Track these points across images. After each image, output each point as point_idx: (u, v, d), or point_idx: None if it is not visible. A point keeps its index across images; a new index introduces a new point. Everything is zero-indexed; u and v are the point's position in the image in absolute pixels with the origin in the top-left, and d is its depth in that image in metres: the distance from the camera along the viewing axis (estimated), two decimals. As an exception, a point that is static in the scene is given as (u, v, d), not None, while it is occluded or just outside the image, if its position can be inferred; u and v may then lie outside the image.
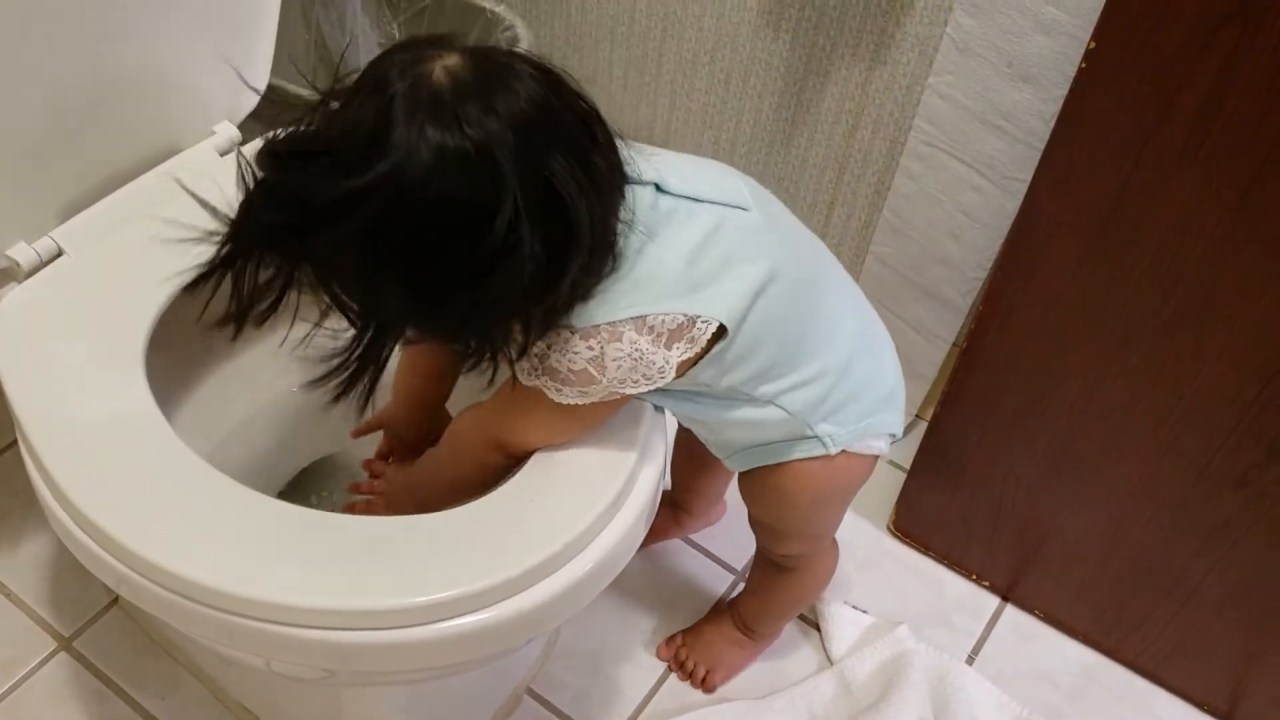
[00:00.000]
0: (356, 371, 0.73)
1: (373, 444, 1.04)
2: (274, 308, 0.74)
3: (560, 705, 1.16)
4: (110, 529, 0.77)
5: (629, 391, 0.78)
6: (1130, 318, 1.00)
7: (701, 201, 0.79)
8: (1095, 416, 1.08)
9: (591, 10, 1.35)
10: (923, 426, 1.28)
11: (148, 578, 0.77)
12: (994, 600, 1.28)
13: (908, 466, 1.29)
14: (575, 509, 0.80)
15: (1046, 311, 1.05)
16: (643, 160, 0.77)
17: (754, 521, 1.05)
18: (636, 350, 0.76)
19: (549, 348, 0.77)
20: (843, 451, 0.92)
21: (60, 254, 0.92)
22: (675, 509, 1.26)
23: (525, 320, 0.73)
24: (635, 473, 0.84)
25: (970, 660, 1.23)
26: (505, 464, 0.86)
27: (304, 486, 1.12)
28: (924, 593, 1.28)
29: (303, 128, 0.70)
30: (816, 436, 0.90)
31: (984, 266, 1.18)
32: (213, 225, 0.73)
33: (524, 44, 1.29)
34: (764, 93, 1.29)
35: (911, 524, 1.31)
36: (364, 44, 1.34)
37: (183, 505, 0.80)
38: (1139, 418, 1.06)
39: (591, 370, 0.76)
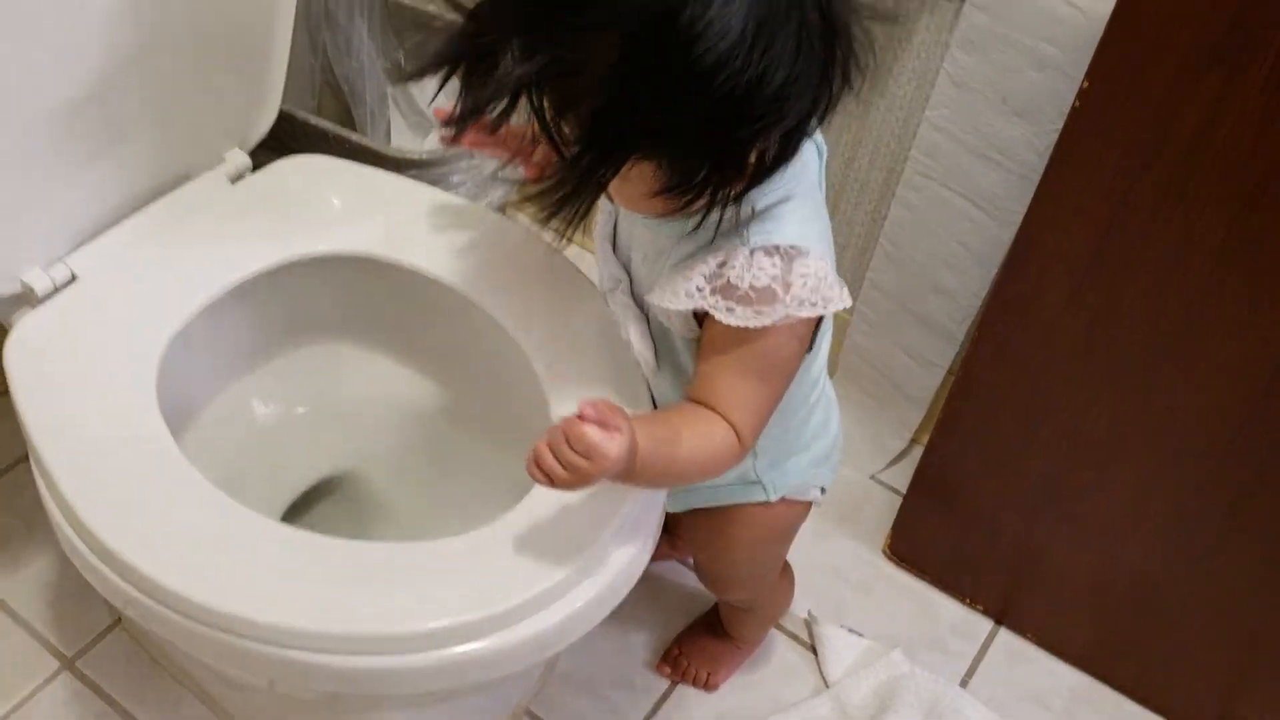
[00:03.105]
0: (573, 195, 0.68)
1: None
2: (507, 116, 0.68)
3: (559, 727, 1.18)
4: (120, 551, 0.79)
5: (804, 314, 0.74)
6: (1120, 349, 1.02)
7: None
8: (1086, 444, 1.10)
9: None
10: (918, 451, 1.30)
11: (155, 599, 0.78)
12: (987, 623, 1.30)
13: (903, 491, 1.30)
14: (580, 536, 0.81)
15: (1038, 342, 1.07)
16: None
17: (698, 569, 1.08)
18: (821, 270, 0.74)
19: (722, 266, 0.74)
20: (781, 499, 0.96)
21: (74, 279, 0.93)
22: (670, 534, 1.27)
23: (761, 153, 0.70)
24: (639, 500, 0.85)
25: (964, 683, 1.24)
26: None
27: (311, 504, 1.13)
28: (918, 616, 1.30)
29: None
30: (760, 483, 0.94)
31: (979, 296, 1.20)
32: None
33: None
34: (762, 122, 1.31)
35: (907, 548, 1.33)
36: (369, 69, 1.36)
37: (191, 528, 0.81)
38: (1129, 445, 1.08)
39: (776, 288, 0.73)
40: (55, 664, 1.17)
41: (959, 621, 1.30)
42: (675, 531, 1.28)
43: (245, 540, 0.81)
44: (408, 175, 1.16)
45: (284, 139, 1.11)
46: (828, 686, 1.21)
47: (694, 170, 0.68)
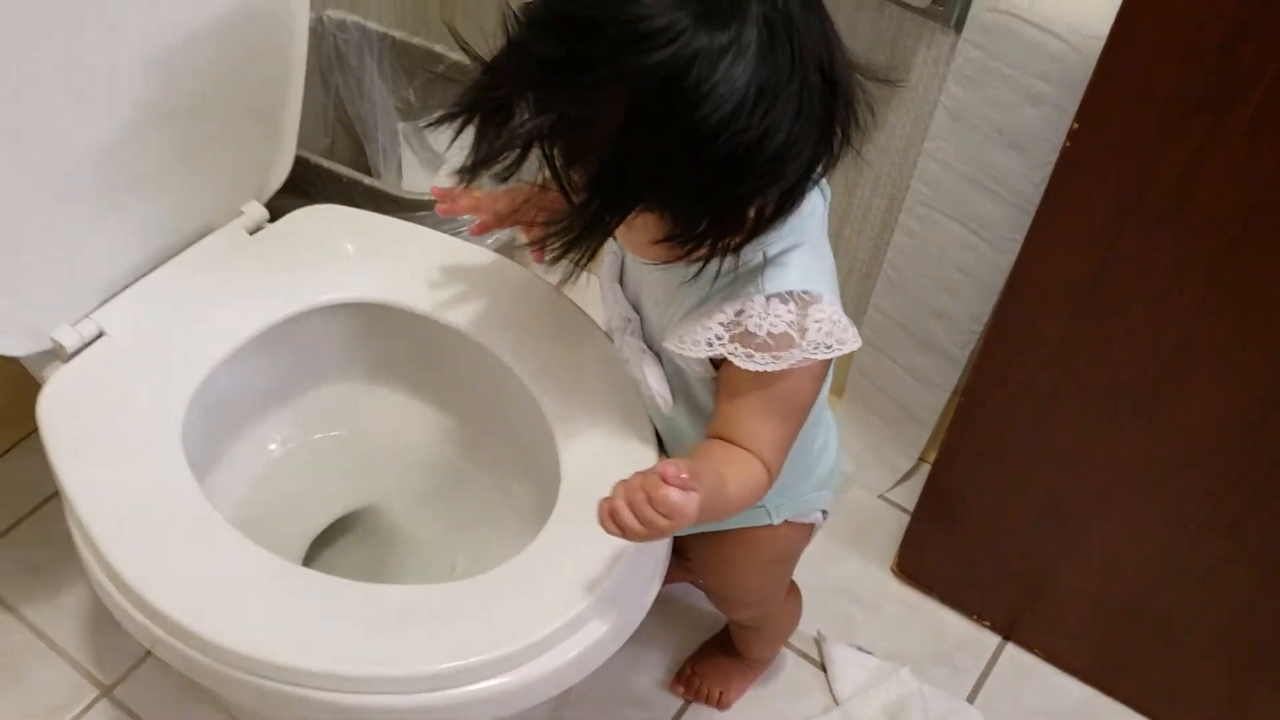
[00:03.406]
0: (582, 240, 0.71)
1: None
2: (517, 166, 0.72)
3: (576, 746, 1.22)
4: (147, 595, 0.82)
5: (820, 357, 0.77)
6: (1118, 376, 1.04)
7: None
8: (1088, 467, 1.12)
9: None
10: (926, 469, 1.33)
11: (181, 641, 0.82)
12: (994, 639, 1.33)
13: (911, 510, 1.33)
14: (591, 571, 0.84)
15: (1038, 367, 1.09)
16: None
17: (707, 589, 1.12)
18: (834, 314, 0.77)
19: (739, 314, 0.77)
20: (785, 521, 0.99)
21: (101, 335, 0.97)
22: (681, 555, 1.30)
23: (761, 208, 0.72)
24: (640, 547, 0.89)
25: (971, 698, 1.27)
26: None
27: (333, 538, 1.17)
28: (926, 633, 1.33)
29: None
30: (764, 507, 0.97)
31: (980, 321, 1.23)
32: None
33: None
34: (767, 150, 1.34)
35: (914, 566, 1.36)
36: (381, 107, 1.40)
37: (215, 573, 0.85)
38: (1129, 469, 1.10)
39: (792, 333, 0.77)
40: (94, 692, 1.22)
41: (966, 638, 1.32)
42: (686, 554, 1.31)
43: (267, 584, 0.84)
44: (418, 215, 1.19)
45: (298, 182, 1.14)
46: (838, 704, 1.24)
47: (695, 222, 0.71)
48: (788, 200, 0.73)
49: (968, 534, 1.28)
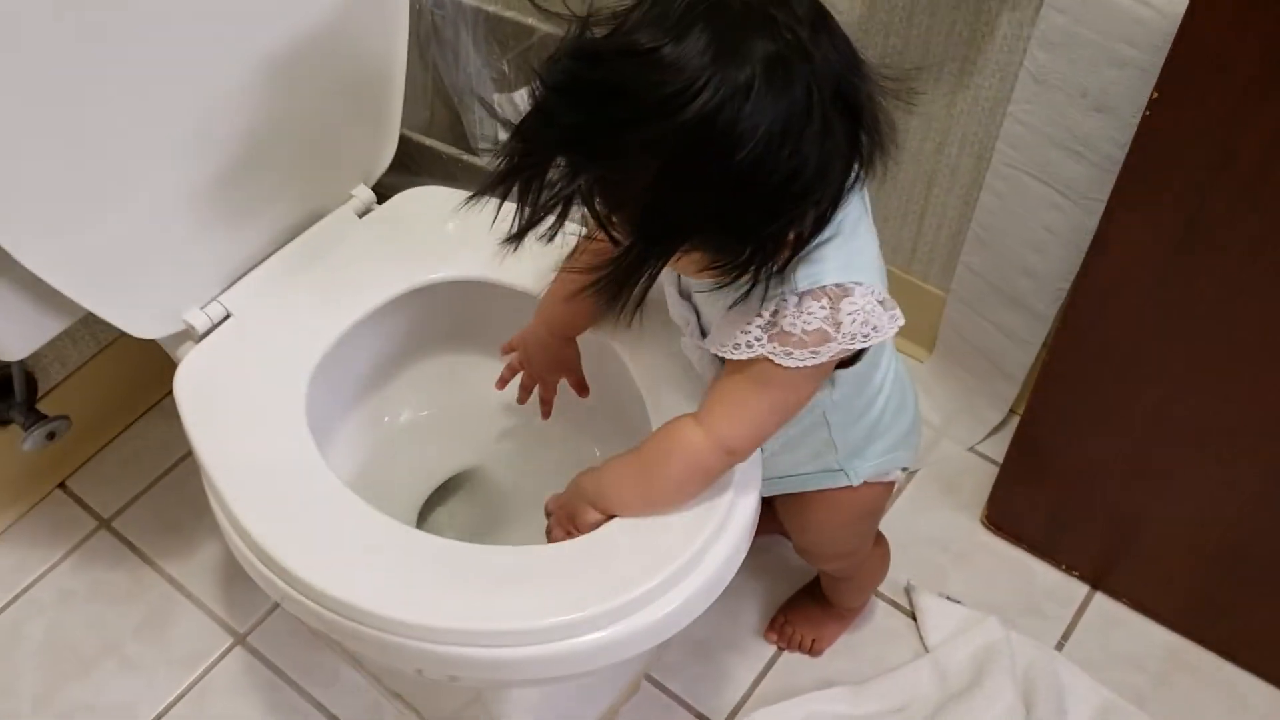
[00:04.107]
0: (628, 282, 0.74)
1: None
2: (560, 224, 0.75)
3: (675, 690, 1.28)
4: (278, 555, 0.89)
5: (858, 346, 0.80)
6: (1199, 341, 1.05)
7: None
8: (1173, 425, 1.14)
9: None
10: (1014, 423, 1.35)
11: (309, 598, 0.89)
12: (1083, 589, 1.35)
13: (999, 462, 1.35)
14: (687, 529, 0.89)
15: (1122, 326, 1.11)
16: None
17: (795, 544, 1.16)
18: (869, 305, 0.79)
19: (775, 315, 0.79)
20: (864, 482, 1.02)
21: (228, 316, 1.04)
22: (772, 508, 1.35)
23: (799, 232, 0.75)
24: (736, 498, 0.93)
25: (1059, 647, 1.30)
26: (724, 470, 0.90)
27: (444, 498, 1.25)
28: (1015, 583, 1.36)
29: (615, 31, 0.70)
30: (842, 470, 1.01)
31: (1066, 278, 1.24)
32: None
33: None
34: (853, 111, 1.35)
35: (1003, 517, 1.38)
36: (477, 79, 1.44)
37: (341, 535, 0.92)
38: (1214, 428, 1.11)
39: (827, 328, 0.79)
40: (229, 639, 1.32)
41: (1055, 587, 1.35)
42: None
43: (385, 544, 0.91)
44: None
45: (401, 158, 1.20)
46: (927, 651, 1.28)
47: (737, 253, 0.74)
48: (823, 221, 0.76)
49: (1056, 485, 1.30)
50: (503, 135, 1.45)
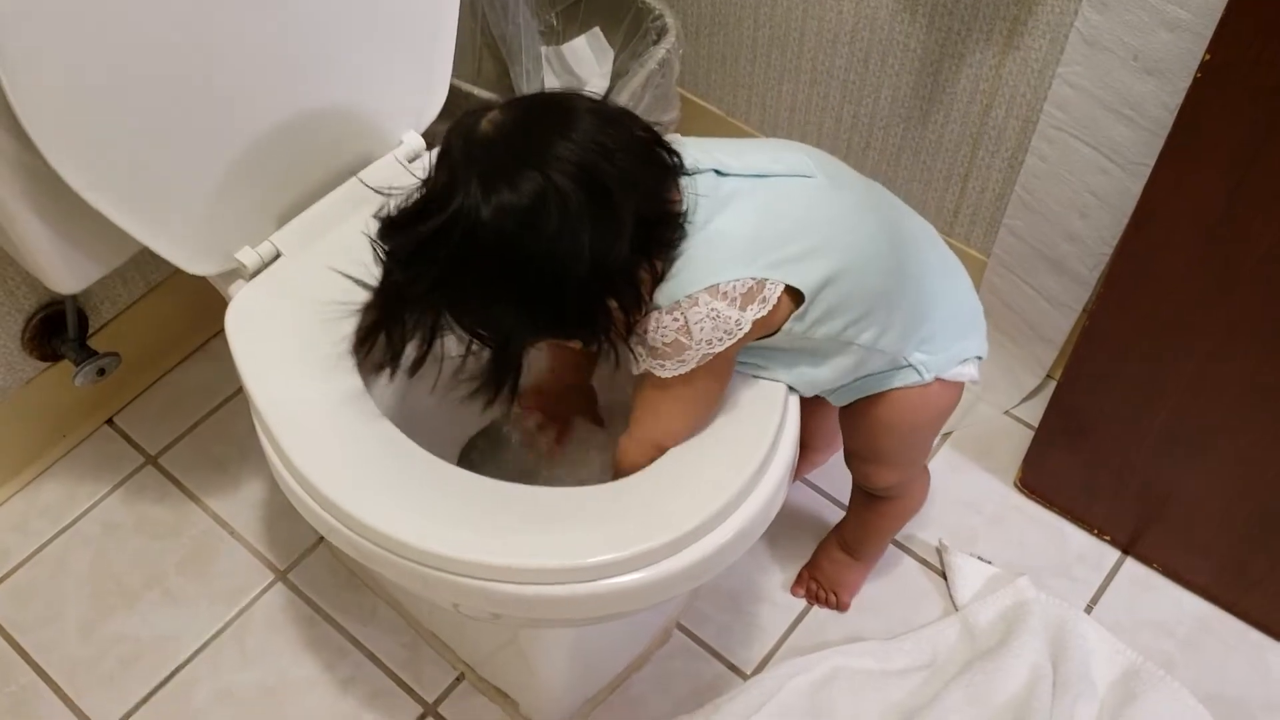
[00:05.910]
0: (498, 380, 0.87)
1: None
2: (424, 357, 0.89)
3: (705, 638, 1.30)
4: (326, 489, 0.92)
5: (718, 350, 0.87)
6: (1241, 311, 1.05)
7: (764, 177, 0.90)
8: (1212, 393, 1.14)
9: (736, -8, 1.44)
10: (1050, 388, 1.35)
11: (355, 531, 0.92)
12: (1114, 553, 1.36)
13: (1035, 425, 1.36)
14: (726, 474, 0.91)
15: (1164, 293, 1.11)
16: (700, 152, 0.89)
17: (851, 455, 1.16)
18: (714, 311, 0.86)
19: (646, 333, 0.88)
20: (936, 379, 1.03)
21: (279, 255, 1.06)
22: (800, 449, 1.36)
23: (619, 302, 0.85)
24: (774, 446, 0.95)
25: (1089, 609, 1.31)
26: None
27: (487, 439, 1.27)
28: (1047, 545, 1.36)
29: (408, 201, 0.86)
30: (912, 365, 1.02)
31: (1109, 243, 1.24)
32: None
33: (672, 32, 1.37)
34: (901, 71, 1.35)
35: (1037, 480, 1.39)
36: (525, 30, 1.45)
37: (387, 472, 0.94)
38: (1254, 397, 1.11)
39: (681, 339, 0.87)
40: (270, 576, 1.35)
41: (1086, 551, 1.36)
42: (805, 446, 1.35)
43: (429, 480, 0.93)
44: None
45: (450, 109, 1.21)
46: (957, 610, 1.30)
47: (580, 333, 0.86)
48: (632, 292, 0.85)
49: (1091, 449, 1.30)
50: (551, 83, 1.48)
